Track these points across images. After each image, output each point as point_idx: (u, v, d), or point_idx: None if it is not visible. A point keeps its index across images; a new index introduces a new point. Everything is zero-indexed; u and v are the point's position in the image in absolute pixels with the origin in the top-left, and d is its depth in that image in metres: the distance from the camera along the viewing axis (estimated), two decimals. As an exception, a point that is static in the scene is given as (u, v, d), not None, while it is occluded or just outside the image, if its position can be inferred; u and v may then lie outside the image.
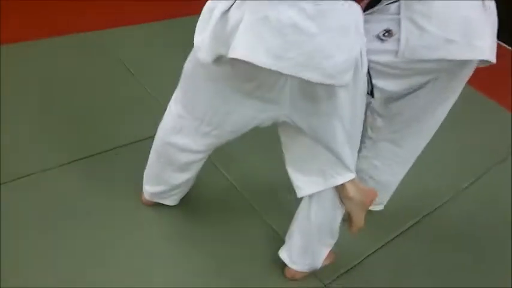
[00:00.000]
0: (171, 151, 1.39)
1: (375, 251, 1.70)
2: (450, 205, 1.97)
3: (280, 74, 0.96)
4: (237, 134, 1.27)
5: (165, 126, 1.38)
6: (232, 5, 0.94)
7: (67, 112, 1.96)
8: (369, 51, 1.09)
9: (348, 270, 1.61)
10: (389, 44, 1.13)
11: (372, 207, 1.68)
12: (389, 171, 1.58)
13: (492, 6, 1.17)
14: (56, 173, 1.68)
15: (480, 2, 1.12)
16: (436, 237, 1.81)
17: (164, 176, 1.50)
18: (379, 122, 1.48)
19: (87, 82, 2.14)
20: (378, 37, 1.14)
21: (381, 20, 1.14)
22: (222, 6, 0.95)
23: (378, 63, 1.16)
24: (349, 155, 1.22)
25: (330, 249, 1.49)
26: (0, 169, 1.63)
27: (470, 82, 1.33)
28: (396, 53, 1.13)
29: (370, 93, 1.20)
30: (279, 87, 1.06)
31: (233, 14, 0.93)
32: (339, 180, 1.25)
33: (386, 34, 1.13)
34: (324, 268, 1.56)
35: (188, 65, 1.20)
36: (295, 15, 0.89)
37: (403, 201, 1.88)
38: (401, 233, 1.79)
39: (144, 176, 1.58)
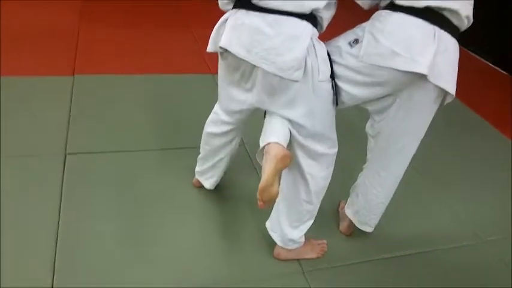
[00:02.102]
0: (208, 138, 1.89)
1: (363, 262, 1.89)
2: (463, 251, 2.04)
3: (252, 65, 1.39)
4: (242, 116, 1.70)
5: (207, 120, 1.89)
6: (229, 17, 1.44)
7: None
8: (343, 54, 1.48)
9: (331, 267, 1.84)
10: (355, 50, 1.49)
11: (361, 227, 1.93)
12: (374, 191, 1.81)
13: (447, 43, 1.44)
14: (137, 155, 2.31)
15: (432, 31, 1.40)
16: (428, 274, 1.89)
17: (207, 156, 1.97)
18: (372, 143, 1.76)
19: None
20: (349, 43, 1.51)
21: (355, 33, 1.51)
22: (225, 16, 1.46)
23: (346, 66, 1.50)
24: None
25: (298, 233, 1.75)
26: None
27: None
28: (358, 57, 1.47)
29: (336, 102, 1.53)
30: (252, 79, 1.50)
31: (228, 21, 1.43)
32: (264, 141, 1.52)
33: (355, 42, 1.50)
34: (309, 260, 1.82)
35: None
36: (260, 22, 1.36)
37: (413, 230, 2.08)
38: (396, 257, 1.94)
39: (197, 161, 2.07)
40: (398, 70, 1.42)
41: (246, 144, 2.45)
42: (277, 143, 1.46)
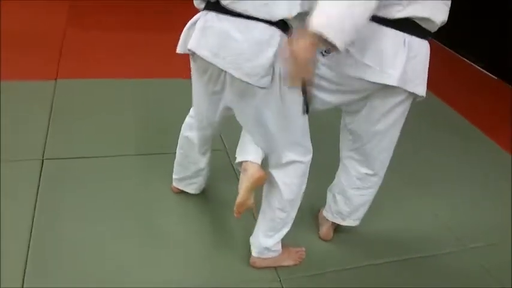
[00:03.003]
0: (184, 142, 1.86)
1: (341, 270, 1.85)
2: (445, 258, 2.00)
3: (220, 69, 1.36)
4: (219, 118, 1.67)
5: (184, 124, 1.86)
6: (199, 18, 1.41)
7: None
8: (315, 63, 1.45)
9: (307, 276, 1.80)
10: (327, 59, 1.48)
11: (345, 223, 1.90)
12: (351, 190, 1.80)
13: (417, 48, 1.43)
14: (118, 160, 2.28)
15: (402, 39, 1.39)
16: (408, 283, 1.85)
17: (184, 164, 1.95)
18: (344, 142, 1.77)
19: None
20: (321, 53, 1.49)
21: None
22: (195, 18, 1.44)
23: (318, 75, 1.50)
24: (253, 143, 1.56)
25: (272, 241, 1.73)
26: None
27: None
28: (330, 66, 1.46)
29: (306, 110, 1.51)
30: (221, 81, 1.47)
31: (198, 23, 1.40)
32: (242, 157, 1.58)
33: (326, 51, 1.48)
34: (286, 268, 1.78)
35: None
36: (230, 26, 1.32)
37: (394, 236, 2.05)
38: (375, 264, 1.91)
39: (174, 167, 2.04)
40: (369, 81, 1.43)
41: (228, 150, 2.42)
42: (254, 162, 1.52)
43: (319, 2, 1.23)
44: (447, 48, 4.60)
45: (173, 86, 2.95)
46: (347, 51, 1.41)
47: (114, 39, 3.62)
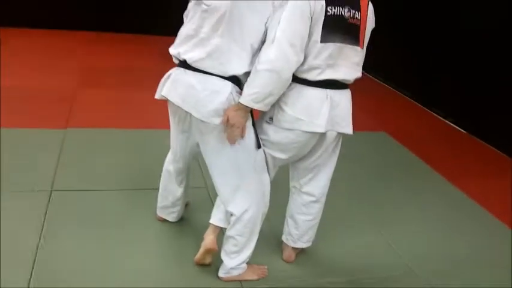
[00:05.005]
0: (165, 174, 2.26)
1: (299, 284, 2.15)
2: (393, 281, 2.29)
3: (186, 111, 1.80)
4: (189, 152, 2.10)
5: (166, 160, 2.27)
6: (172, 73, 1.88)
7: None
8: (262, 132, 1.90)
9: (268, 287, 2.10)
10: (272, 124, 1.90)
11: (297, 245, 2.24)
12: (298, 214, 2.17)
13: (338, 98, 1.86)
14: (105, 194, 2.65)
15: (324, 94, 1.83)
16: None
17: (165, 194, 2.33)
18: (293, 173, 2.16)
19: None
20: (266, 121, 1.91)
21: (269, 111, 1.87)
22: (169, 72, 1.90)
23: (268, 140, 1.92)
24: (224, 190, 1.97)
25: (237, 261, 2.04)
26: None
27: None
28: (274, 129, 1.88)
29: (258, 145, 1.90)
30: (187, 121, 1.90)
31: (171, 76, 1.87)
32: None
33: (270, 119, 1.90)
34: (251, 281, 2.10)
35: None
36: (193, 79, 1.79)
37: (349, 259, 2.37)
38: (331, 282, 2.20)
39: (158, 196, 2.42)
40: (302, 131, 1.84)
41: (209, 187, 2.78)
42: (211, 233, 2.03)
43: (248, 78, 1.71)
44: (422, 106, 5.10)
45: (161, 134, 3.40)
46: (283, 109, 1.84)
47: (114, 96, 4.19)
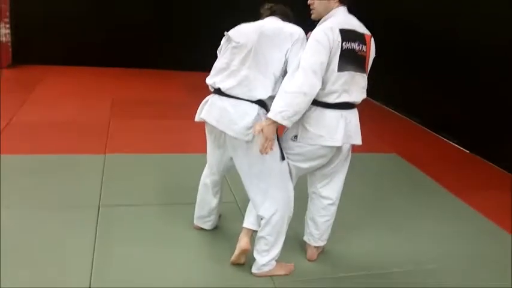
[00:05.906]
0: (204, 187, 2.62)
1: (322, 278, 2.45)
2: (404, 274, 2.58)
3: (220, 131, 2.19)
4: (223, 166, 2.47)
5: (202, 175, 2.64)
6: (208, 99, 2.29)
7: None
8: (288, 147, 2.26)
9: (297, 280, 2.40)
10: (296, 141, 2.26)
11: (317, 244, 2.55)
12: (317, 215, 2.50)
13: (350, 116, 2.25)
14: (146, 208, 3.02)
15: (340, 114, 2.21)
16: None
17: (201, 204, 2.68)
18: (311, 180, 2.51)
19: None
20: (291, 139, 2.28)
21: (292, 129, 2.24)
22: (206, 98, 2.30)
23: (293, 153, 2.28)
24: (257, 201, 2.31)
25: (267, 258, 2.33)
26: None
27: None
28: (299, 145, 2.25)
29: (282, 158, 2.25)
30: (222, 139, 2.28)
31: (208, 101, 2.28)
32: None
33: (295, 137, 2.27)
34: (281, 276, 2.41)
35: None
36: (226, 103, 2.18)
37: (366, 256, 2.66)
38: (350, 276, 2.49)
39: (195, 207, 2.76)
40: (323, 145, 2.22)
41: (239, 202, 3.13)
42: (250, 229, 2.34)
43: (277, 99, 2.06)
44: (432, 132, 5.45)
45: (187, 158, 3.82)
46: (306, 129, 2.21)
47: (144, 124, 4.64)
